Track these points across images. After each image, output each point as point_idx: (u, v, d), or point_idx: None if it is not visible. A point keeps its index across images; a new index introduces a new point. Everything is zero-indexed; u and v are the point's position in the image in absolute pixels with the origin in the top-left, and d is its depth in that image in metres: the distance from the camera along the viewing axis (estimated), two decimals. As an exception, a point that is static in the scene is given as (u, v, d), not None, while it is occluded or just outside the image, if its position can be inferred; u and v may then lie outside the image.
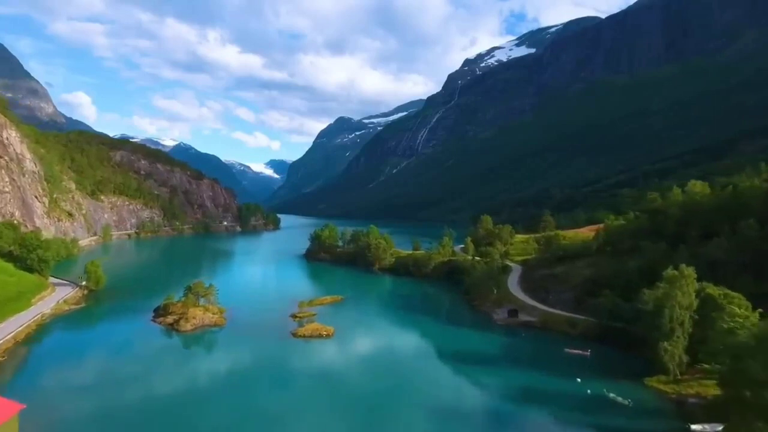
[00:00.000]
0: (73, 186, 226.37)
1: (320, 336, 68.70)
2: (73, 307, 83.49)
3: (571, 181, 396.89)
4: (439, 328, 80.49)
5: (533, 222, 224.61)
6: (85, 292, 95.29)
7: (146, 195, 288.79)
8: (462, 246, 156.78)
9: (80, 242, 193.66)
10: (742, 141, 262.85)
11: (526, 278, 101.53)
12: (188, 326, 70.55)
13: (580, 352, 64.71)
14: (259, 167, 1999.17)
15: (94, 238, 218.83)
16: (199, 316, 73.20)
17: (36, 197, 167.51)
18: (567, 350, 65.21)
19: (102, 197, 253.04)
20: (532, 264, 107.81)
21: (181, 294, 79.57)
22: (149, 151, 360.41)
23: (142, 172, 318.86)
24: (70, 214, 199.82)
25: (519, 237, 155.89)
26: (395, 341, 71.50)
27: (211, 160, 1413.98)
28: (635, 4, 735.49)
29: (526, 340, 71.99)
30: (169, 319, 73.72)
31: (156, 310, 79.06)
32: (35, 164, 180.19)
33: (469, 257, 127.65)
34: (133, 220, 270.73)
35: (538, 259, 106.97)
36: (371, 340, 71.73)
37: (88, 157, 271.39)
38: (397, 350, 67.06)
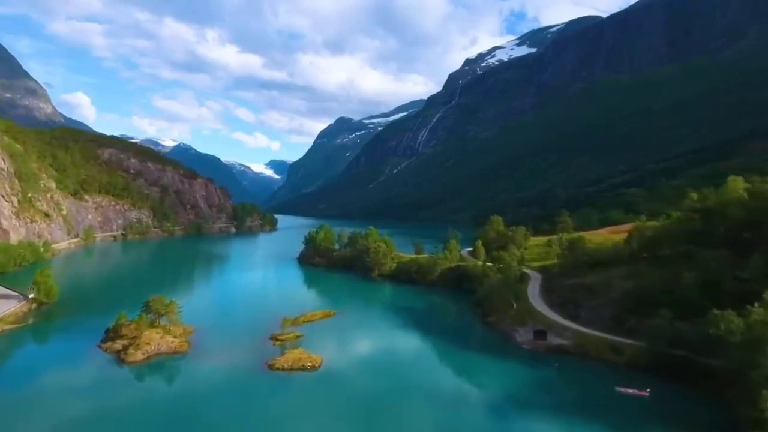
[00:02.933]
0: (53, 185, 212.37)
1: (303, 368, 54.49)
2: (8, 327, 69.14)
3: (573, 181, 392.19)
4: (451, 354, 66.20)
5: (540, 223, 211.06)
6: (34, 306, 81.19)
7: (135, 195, 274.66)
8: (469, 249, 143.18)
9: (58, 245, 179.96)
10: (750, 140, 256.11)
11: (549, 289, 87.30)
12: (138, 355, 56.31)
13: (637, 391, 50.56)
14: (260, 168, 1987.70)
15: (75, 240, 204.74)
16: (154, 340, 59.00)
17: (3, 196, 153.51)
18: (619, 389, 51.00)
19: (86, 197, 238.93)
20: (555, 272, 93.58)
21: (139, 310, 65.57)
22: (140, 149, 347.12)
23: (132, 171, 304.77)
24: (46, 215, 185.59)
25: (532, 240, 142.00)
26: (396, 373, 56.70)
27: (212, 161, 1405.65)
28: (636, 3, 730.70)
29: (562, 373, 57.67)
30: (118, 344, 59.54)
31: (107, 332, 64.91)
32: (3, 160, 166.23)
33: (480, 263, 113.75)
34: (120, 221, 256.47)
35: (563, 267, 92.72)
36: (366, 373, 56.71)
37: (72, 154, 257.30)
38: (398, 387, 52.42)
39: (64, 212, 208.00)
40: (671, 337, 55.66)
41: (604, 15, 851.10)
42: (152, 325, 63.51)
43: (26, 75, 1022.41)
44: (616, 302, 70.00)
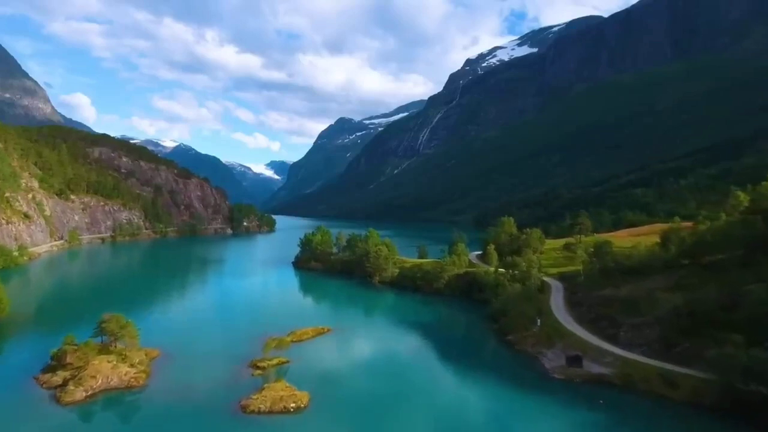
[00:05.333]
0: (35, 184, 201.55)
1: (286, 410, 43.12)
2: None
3: (577, 181, 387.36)
4: (469, 386, 54.69)
5: (545, 224, 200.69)
6: (-20, 321, 70.08)
7: (125, 195, 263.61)
8: (477, 253, 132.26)
9: (37, 248, 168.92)
10: (758, 140, 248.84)
11: (576, 301, 75.98)
12: (79, 393, 44.82)
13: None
14: (260, 168, 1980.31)
15: (59, 242, 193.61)
16: (103, 372, 47.66)
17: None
18: (692, 442, 39.78)
19: (72, 197, 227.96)
20: (581, 281, 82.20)
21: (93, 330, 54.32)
22: (132, 148, 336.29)
23: (123, 170, 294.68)
24: (26, 216, 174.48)
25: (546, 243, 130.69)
26: (400, 414, 44.96)
27: (212, 162, 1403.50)
28: (638, 2, 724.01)
29: (611, 413, 46.12)
30: (59, 377, 48.12)
31: (52, 359, 53.54)
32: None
33: (492, 269, 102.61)
34: (109, 223, 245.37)
35: (590, 275, 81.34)
36: (362, 415, 43.98)
37: (59, 153, 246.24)
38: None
39: (47, 213, 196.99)
40: (747, 368, 44.43)
41: (605, 15, 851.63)
42: (105, 350, 52.31)
43: (25, 75, 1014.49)
44: (663, 321, 58.66)
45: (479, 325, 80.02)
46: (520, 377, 55.48)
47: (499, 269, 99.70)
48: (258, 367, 53.45)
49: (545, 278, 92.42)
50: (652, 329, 58.72)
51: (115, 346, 53.51)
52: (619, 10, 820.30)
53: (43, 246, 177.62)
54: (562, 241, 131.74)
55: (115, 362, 49.63)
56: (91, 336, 53.83)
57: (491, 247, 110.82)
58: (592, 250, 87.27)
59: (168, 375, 51.00)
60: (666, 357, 54.84)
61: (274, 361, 54.81)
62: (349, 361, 59.92)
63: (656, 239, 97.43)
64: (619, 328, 61.93)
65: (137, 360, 51.68)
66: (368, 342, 70.14)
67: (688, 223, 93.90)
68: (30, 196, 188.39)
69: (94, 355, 49.86)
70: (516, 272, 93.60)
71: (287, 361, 55.73)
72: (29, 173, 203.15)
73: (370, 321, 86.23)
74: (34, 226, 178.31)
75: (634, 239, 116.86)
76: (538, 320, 69.23)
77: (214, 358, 56.98)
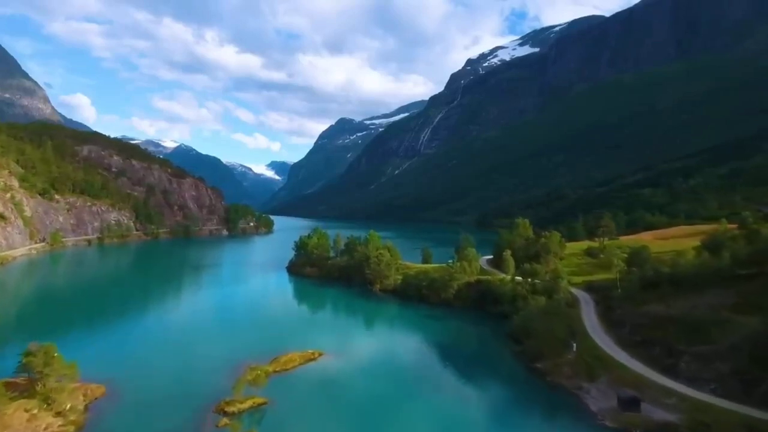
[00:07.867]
0: (15, 183, 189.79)
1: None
2: None
3: (577, 181, 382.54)
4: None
5: (554, 225, 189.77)
6: None
7: (114, 194, 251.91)
8: (487, 258, 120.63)
9: (14, 251, 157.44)
10: (760, 140, 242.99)
11: (615, 320, 63.99)
12: (-28, 460, 33.50)
13: None
14: (260, 169, 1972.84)
15: (39, 245, 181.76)
16: (14, 426, 35.80)
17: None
18: None
19: (57, 197, 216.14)
20: (617, 295, 70.08)
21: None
22: (124, 147, 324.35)
23: (114, 169, 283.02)
24: (1, 217, 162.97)
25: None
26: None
27: (213, 162, 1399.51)
28: (640, 2, 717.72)
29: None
30: (-43, 432, 36.72)
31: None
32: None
33: (507, 278, 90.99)
34: (96, 224, 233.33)
35: (628, 287, 69.19)
36: None
37: (44, 151, 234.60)
38: None
39: (27, 214, 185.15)
40: None
41: (606, 14, 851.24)
42: (31, 391, 40.46)
43: (25, 75, 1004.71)
44: (738, 350, 46.75)
45: (498, 347, 68.09)
46: (562, 423, 43.63)
47: (516, 278, 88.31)
48: (226, 413, 41.50)
49: (571, 289, 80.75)
50: (725, 361, 46.74)
51: (44, 386, 41.66)
52: (620, 9, 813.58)
53: (21, 249, 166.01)
54: (580, 245, 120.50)
55: (36, 410, 37.81)
56: (14, 372, 42.05)
57: (507, 253, 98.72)
58: (626, 256, 75.34)
59: (105, 427, 39.01)
60: (746, 399, 43.04)
61: (248, 404, 42.85)
62: (340, 401, 47.31)
63: (688, 243, 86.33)
64: (679, 358, 49.96)
65: (68, 405, 39.76)
66: (366, 373, 56.63)
67: (733, 225, 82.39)
68: (8, 195, 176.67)
69: (6, 401, 37.99)
70: (537, 282, 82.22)
71: (264, 402, 43.79)
72: (9, 171, 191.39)
73: (370, 342, 73.90)
74: (10, 228, 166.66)
75: (663, 243, 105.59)
76: (574, 344, 57.40)
77: (172, 399, 44.78)
